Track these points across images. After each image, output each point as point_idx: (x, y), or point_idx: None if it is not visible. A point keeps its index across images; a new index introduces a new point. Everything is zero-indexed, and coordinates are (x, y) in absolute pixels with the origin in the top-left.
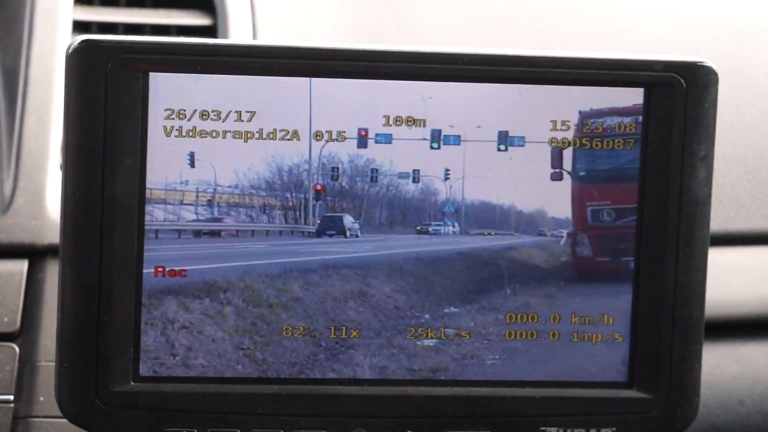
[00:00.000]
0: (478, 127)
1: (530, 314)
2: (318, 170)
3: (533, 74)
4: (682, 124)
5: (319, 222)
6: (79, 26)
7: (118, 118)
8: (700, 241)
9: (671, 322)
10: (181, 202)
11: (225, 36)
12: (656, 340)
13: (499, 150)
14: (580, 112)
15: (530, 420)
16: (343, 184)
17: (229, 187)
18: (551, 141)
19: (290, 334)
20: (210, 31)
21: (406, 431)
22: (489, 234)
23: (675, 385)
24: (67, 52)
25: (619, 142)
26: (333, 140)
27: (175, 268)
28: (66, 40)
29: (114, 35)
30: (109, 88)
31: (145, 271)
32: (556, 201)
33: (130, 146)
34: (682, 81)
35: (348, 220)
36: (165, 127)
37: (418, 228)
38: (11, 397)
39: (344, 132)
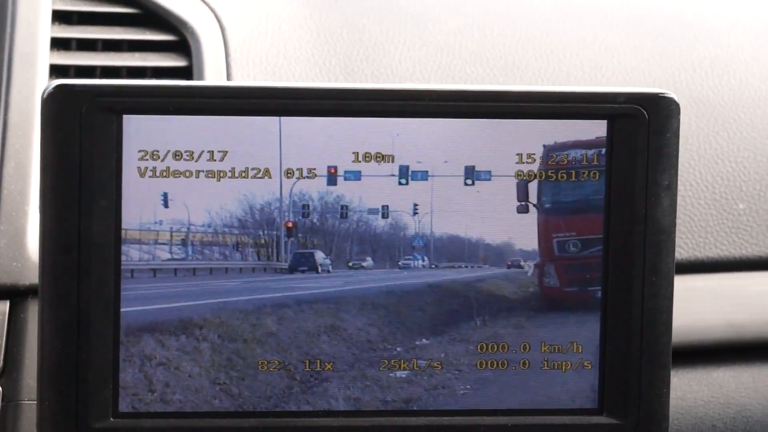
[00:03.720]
0: (445, 162)
1: (501, 344)
2: (289, 208)
3: (498, 108)
4: (645, 154)
5: (291, 258)
6: (57, 70)
7: (93, 160)
8: (666, 268)
9: (639, 349)
10: (156, 242)
11: (200, 77)
12: (625, 367)
13: (466, 184)
14: (544, 146)
15: None
16: (314, 220)
17: (203, 226)
18: (517, 174)
19: (265, 368)
20: (186, 72)
21: None
22: (458, 267)
23: (644, 411)
24: (42, 96)
25: (583, 173)
26: (304, 177)
27: (151, 306)
28: (44, 84)
29: (87, 79)
30: (83, 131)
31: (122, 309)
32: (523, 233)
33: (105, 187)
34: (645, 112)
35: (319, 256)
36: (139, 168)
37: (391, 264)
38: None
39: (314, 169)
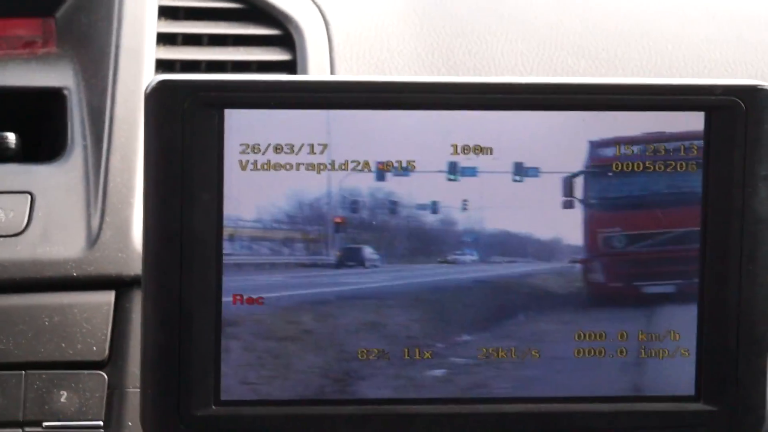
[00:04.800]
0: (495, 159)
1: (598, 332)
2: (339, 203)
3: (597, 101)
4: (743, 145)
5: (338, 254)
6: (163, 65)
7: (195, 153)
8: (763, 258)
9: (736, 338)
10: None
11: (304, 71)
12: (722, 355)
13: (514, 181)
14: (590, 142)
15: None
16: (364, 216)
17: (252, 221)
18: (565, 169)
19: (365, 357)
20: (290, 66)
21: None
22: (508, 262)
23: (741, 398)
24: (145, 92)
25: (630, 166)
26: (403, 169)
27: (252, 296)
28: (150, 79)
29: (189, 74)
30: (185, 125)
31: (224, 299)
32: (570, 228)
33: (207, 181)
34: (742, 104)
35: (367, 251)
36: (241, 162)
37: (440, 260)
38: (101, 423)
39: (414, 161)
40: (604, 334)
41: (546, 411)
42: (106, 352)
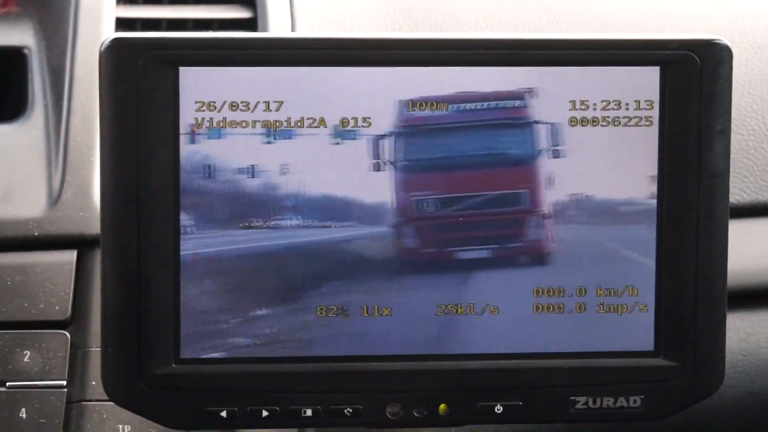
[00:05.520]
0: (314, 120)
1: (557, 288)
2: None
3: (546, 57)
4: (698, 100)
5: None
6: (123, 24)
7: (150, 111)
8: (720, 212)
9: (694, 293)
10: None
11: (265, 28)
12: (681, 311)
13: (332, 144)
14: (399, 101)
15: (560, 390)
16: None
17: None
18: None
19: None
20: (251, 23)
21: (440, 405)
22: (330, 227)
23: (700, 353)
24: (100, 50)
25: (439, 130)
26: (359, 126)
27: (210, 253)
28: None
29: (144, 32)
30: (140, 83)
31: (182, 253)
32: (384, 192)
33: (163, 138)
34: (697, 58)
35: (181, 217)
36: (196, 119)
37: (243, 225)
38: (64, 383)
39: (369, 118)
40: (563, 290)
41: (501, 367)
42: (69, 311)
